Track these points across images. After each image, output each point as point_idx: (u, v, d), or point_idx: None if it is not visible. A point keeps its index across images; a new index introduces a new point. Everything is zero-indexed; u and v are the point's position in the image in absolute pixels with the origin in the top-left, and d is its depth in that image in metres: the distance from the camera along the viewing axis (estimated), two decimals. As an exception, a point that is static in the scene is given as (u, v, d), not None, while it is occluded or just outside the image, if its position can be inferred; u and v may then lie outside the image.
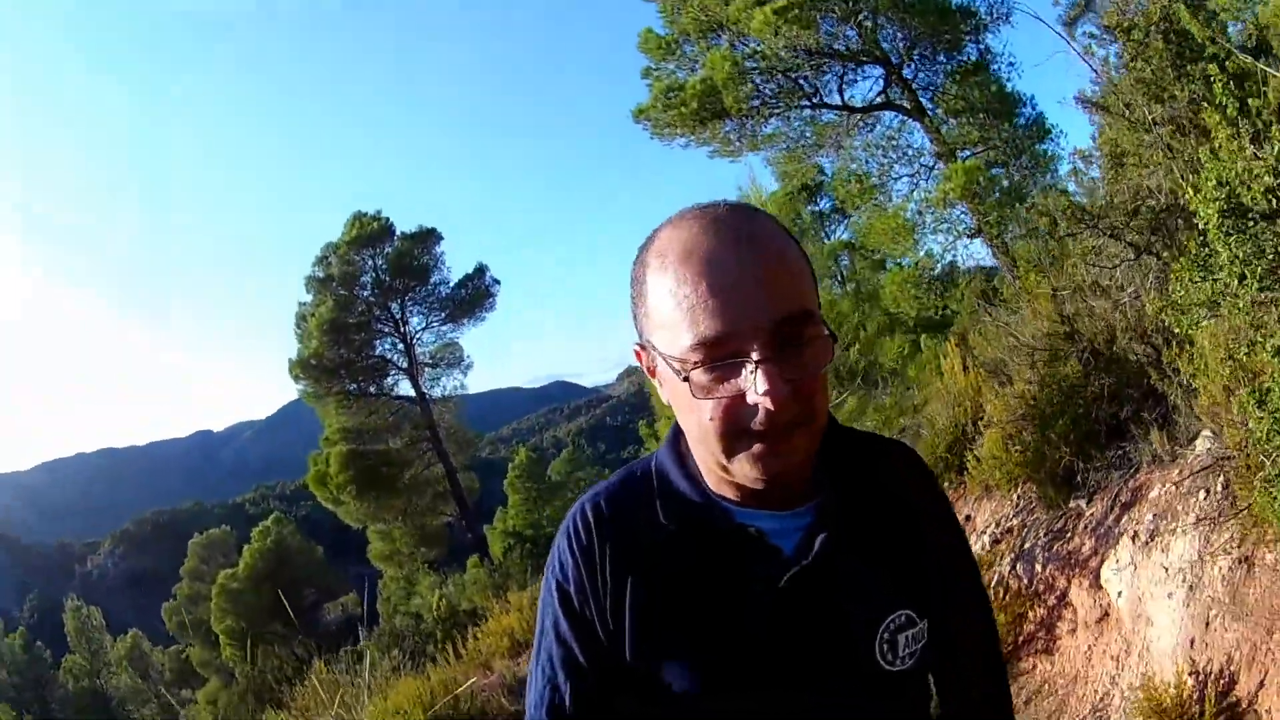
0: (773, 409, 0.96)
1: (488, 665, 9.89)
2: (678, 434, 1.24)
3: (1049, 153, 12.47)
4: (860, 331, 15.00)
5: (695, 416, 1.03)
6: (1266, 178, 3.00)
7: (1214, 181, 3.14)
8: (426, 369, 24.96)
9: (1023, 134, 12.64)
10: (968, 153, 12.99)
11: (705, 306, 0.97)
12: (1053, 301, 5.78)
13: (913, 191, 13.63)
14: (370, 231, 23.93)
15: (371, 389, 23.99)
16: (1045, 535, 5.02)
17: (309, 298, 24.11)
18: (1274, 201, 2.99)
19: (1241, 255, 3.07)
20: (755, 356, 0.96)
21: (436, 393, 25.30)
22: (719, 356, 0.97)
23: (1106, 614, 4.24)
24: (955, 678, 1.33)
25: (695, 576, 1.15)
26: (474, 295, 25.11)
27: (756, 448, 1.01)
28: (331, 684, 6.93)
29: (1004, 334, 7.21)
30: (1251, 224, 3.04)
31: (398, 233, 24.52)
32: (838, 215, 21.97)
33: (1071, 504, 4.99)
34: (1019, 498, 5.61)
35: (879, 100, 13.97)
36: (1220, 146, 3.32)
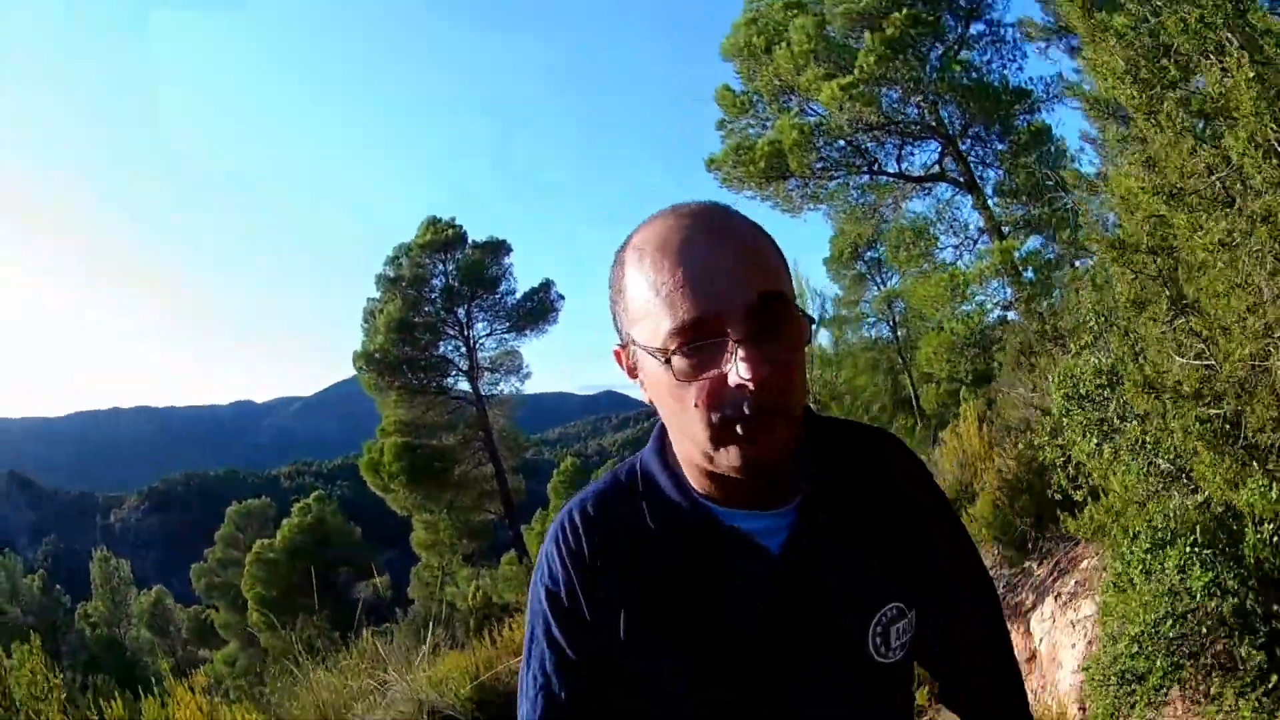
0: (754, 389, 0.97)
1: (517, 653, 10.72)
2: (661, 436, 1.25)
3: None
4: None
5: (678, 405, 1.05)
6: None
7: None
8: (486, 372, 25.96)
9: (1062, 215, 13.39)
10: (1009, 229, 13.86)
11: (682, 291, 0.99)
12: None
13: (956, 260, 14.49)
14: (444, 238, 25.02)
15: (431, 386, 25.00)
16: (1002, 588, 5.99)
17: (378, 294, 25.24)
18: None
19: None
20: (734, 337, 0.98)
21: (493, 396, 26.41)
22: (699, 339, 0.99)
23: (1033, 656, 5.20)
24: (960, 662, 1.37)
25: (682, 578, 1.16)
26: (539, 308, 26.21)
27: (739, 432, 1.02)
28: (374, 652, 7.74)
29: (1011, 405, 8.20)
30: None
31: (470, 240, 25.67)
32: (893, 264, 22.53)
33: (1025, 564, 6.00)
34: (993, 556, 6.57)
35: (935, 171, 14.88)
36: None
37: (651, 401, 1.13)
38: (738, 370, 0.97)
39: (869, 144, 14.17)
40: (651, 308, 1.02)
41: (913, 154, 14.80)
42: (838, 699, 1.18)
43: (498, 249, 26.06)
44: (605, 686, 1.18)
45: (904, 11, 13.24)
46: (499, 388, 26.71)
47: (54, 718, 4.97)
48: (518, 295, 26.35)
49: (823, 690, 1.17)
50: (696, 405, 1.02)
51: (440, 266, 25.41)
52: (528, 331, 26.54)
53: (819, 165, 14.10)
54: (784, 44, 13.73)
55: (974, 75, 13.83)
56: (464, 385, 26.06)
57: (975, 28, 14.58)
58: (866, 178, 14.85)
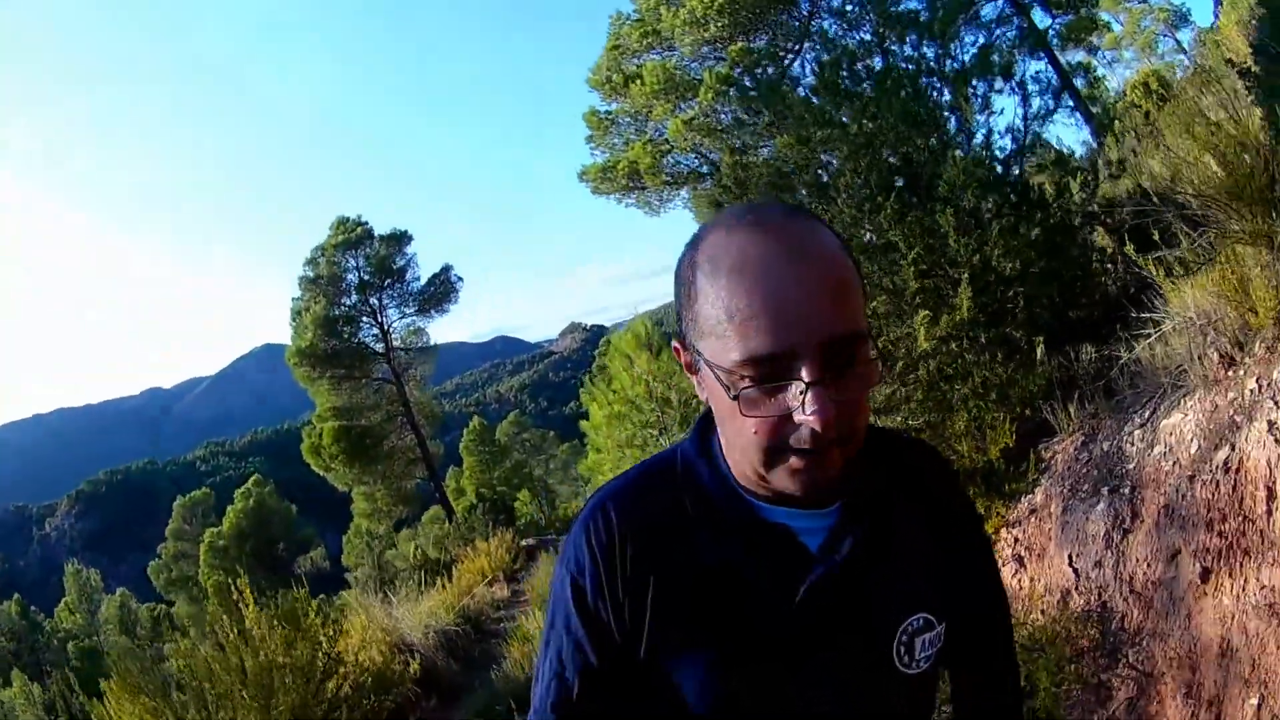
0: (819, 430, 0.95)
1: (469, 592, 12.87)
2: (705, 428, 1.21)
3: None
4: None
5: (737, 424, 1.02)
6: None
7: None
8: (400, 353, 29.09)
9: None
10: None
11: (757, 323, 0.95)
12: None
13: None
14: (354, 236, 27.92)
15: (356, 373, 27.96)
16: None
17: (300, 293, 27.98)
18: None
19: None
20: (805, 378, 0.94)
21: (408, 372, 29.53)
22: (768, 375, 0.96)
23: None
24: (975, 679, 1.38)
25: (719, 572, 1.13)
26: (441, 291, 29.36)
27: (796, 462, 1.00)
28: (359, 603, 10.02)
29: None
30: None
31: (376, 235, 28.56)
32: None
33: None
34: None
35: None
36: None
37: (707, 403, 1.12)
38: (805, 410, 0.95)
39: (707, 160, 17.40)
40: (721, 329, 0.97)
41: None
42: (857, 704, 1.15)
43: (401, 240, 29.09)
44: (622, 678, 1.16)
45: (738, 45, 16.57)
46: (413, 365, 29.88)
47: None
48: (422, 281, 29.50)
49: (842, 693, 1.15)
50: (756, 433, 1.00)
51: (352, 262, 28.29)
52: (432, 312, 29.80)
53: (669, 179, 17.40)
54: (638, 80, 16.95)
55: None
56: (383, 368, 29.05)
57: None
58: (710, 184, 18.11)
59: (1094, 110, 16.41)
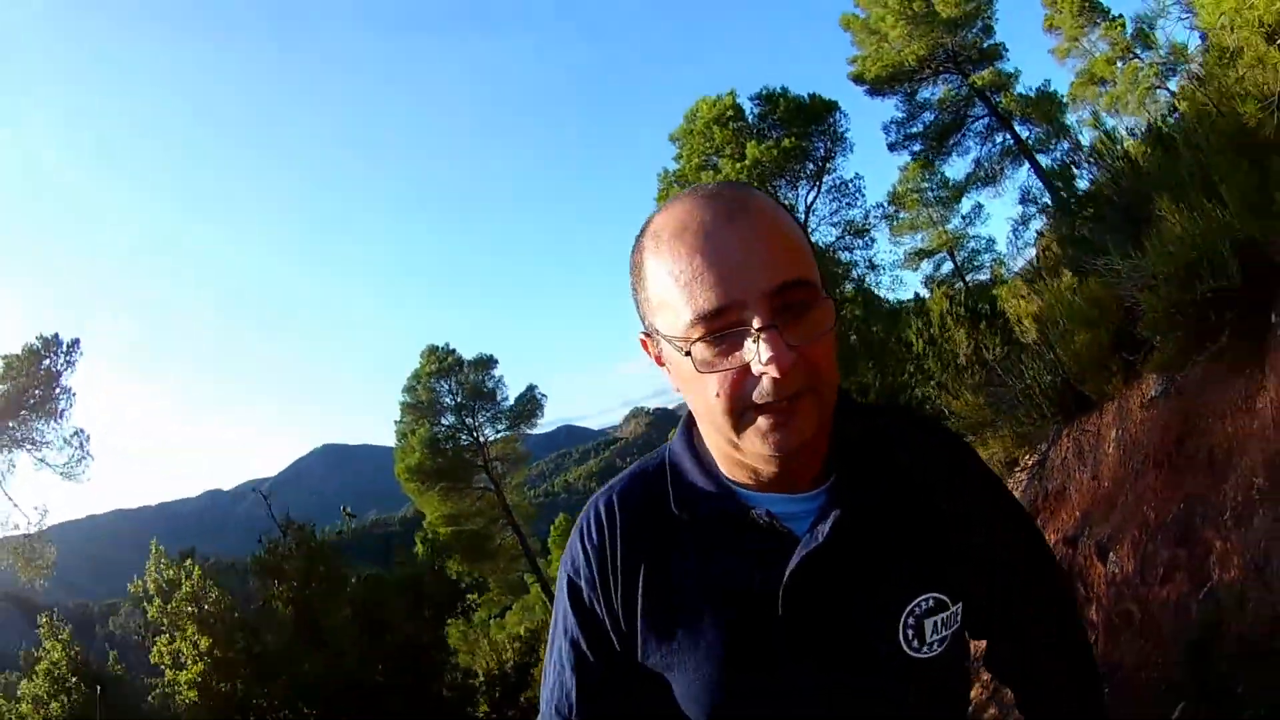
0: (779, 377, 0.94)
1: None
2: (690, 424, 1.24)
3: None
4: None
5: (702, 395, 1.02)
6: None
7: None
8: (496, 463, 33.20)
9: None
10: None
11: (702, 280, 0.96)
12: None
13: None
14: (446, 364, 32.36)
15: (460, 483, 32.08)
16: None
17: (401, 417, 32.33)
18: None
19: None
20: (756, 325, 0.94)
21: (505, 480, 33.61)
22: (719, 329, 0.96)
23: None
24: (1022, 656, 1.32)
25: (707, 564, 1.14)
26: (528, 408, 33.62)
27: (764, 421, 1.00)
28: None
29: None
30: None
31: (465, 362, 32.91)
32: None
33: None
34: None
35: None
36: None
37: (679, 390, 1.09)
38: (760, 359, 0.94)
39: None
40: (671, 296, 0.99)
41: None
42: (864, 691, 1.13)
43: (488, 364, 33.43)
44: (622, 675, 1.18)
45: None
46: (508, 474, 33.99)
47: None
48: (510, 401, 33.62)
49: (847, 682, 1.12)
50: (719, 395, 0.99)
51: (446, 386, 32.62)
52: (521, 426, 34.03)
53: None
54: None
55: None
56: (481, 475, 33.14)
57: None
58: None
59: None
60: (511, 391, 33.93)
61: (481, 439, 32.96)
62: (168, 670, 5.34)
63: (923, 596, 1.13)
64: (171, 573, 5.93)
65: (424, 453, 30.82)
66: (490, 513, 32.90)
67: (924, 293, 25.75)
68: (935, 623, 1.14)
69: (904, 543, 1.15)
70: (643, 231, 1.07)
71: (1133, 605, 4.38)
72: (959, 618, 1.17)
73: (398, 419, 32.74)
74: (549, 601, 31.39)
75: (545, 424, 34.63)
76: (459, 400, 32.58)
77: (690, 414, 1.20)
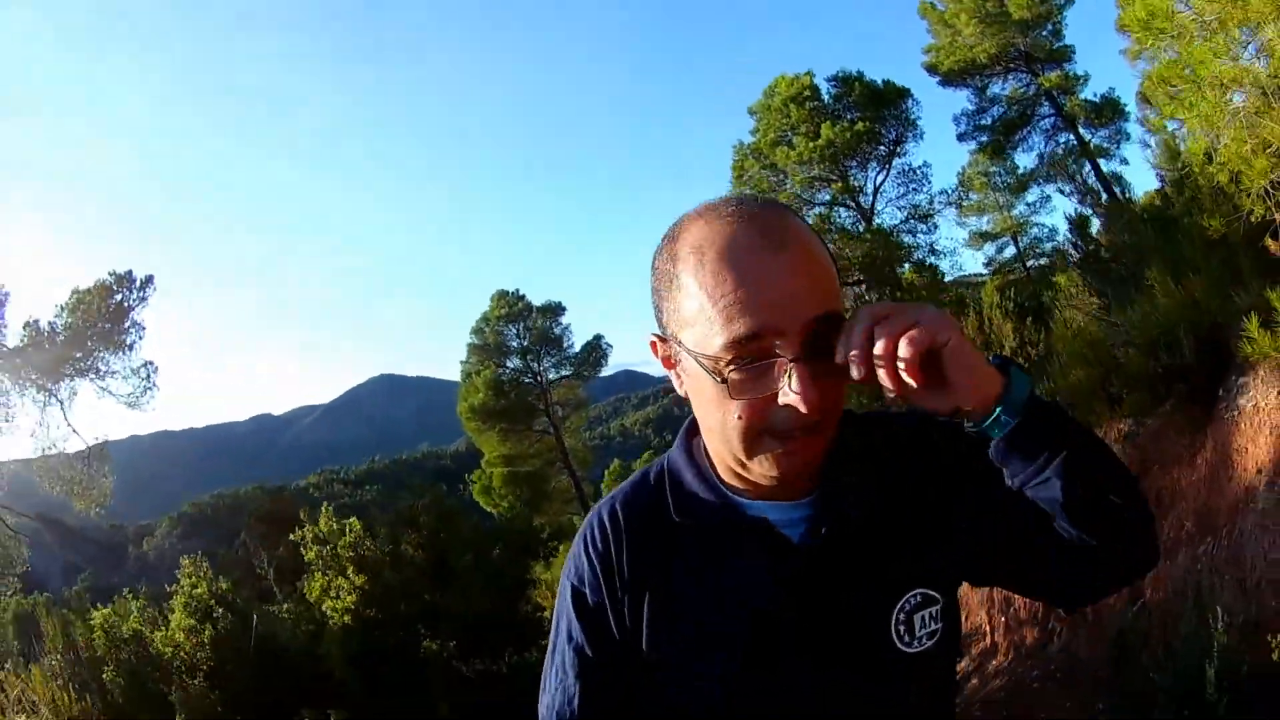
0: (805, 410, 0.97)
1: None
2: (689, 431, 1.27)
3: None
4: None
5: (719, 414, 1.05)
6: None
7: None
8: (557, 407, 34.35)
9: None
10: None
11: (741, 306, 0.97)
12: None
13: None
14: (515, 310, 33.49)
15: (520, 425, 33.22)
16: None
17: (468, 357, 33.69)
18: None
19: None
20: (789, 356, 0.97)
21: (565, 424, 34.82)
22: (750, 354, 0.98)
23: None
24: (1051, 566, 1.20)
25: (709, 569, 1.18)
26: (594, 357, 34.71)
27: (777, 447, 1.03)
28: None
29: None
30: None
31: (534, 308, 33.99)
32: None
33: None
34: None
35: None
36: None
37: (686, 396, 1.12)
38: (790, 390, 0.97)
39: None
40: (705, 316, 1.00)
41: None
42: (862, 688, 1.16)
43: (556, 311, 34.52)
44: (625, 682, 1.20)
45: (838, 184, 21.44)
46: (569, 419, 35.24)
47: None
48: (576, 349, 34.75)
49: (845, 678, 1.16)
50: (740, 418, 1.02)
51: (513, 330, 33.79)
52: (586, 374, 35.06)
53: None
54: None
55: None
56: (542, 419, 34.31)
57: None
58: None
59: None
60: (577, 339, 35.23)
61: (545, 383, 34.13)
62: (328, 601, 6.72)
63: (911, 593, 1.18)
64: (334, 526, 7.33)
65: (488, 393, 32.01)
66: (547, 455, 34.10)
67: (984, 273, 26.38)
68: (924, 617, 1.18)
69: (891, 543, 1.19)
70: (674, 239, 1.08)
71: (1088, 608, 5.16)
72: (946, 611, 1.21)
73: (464, 359, 34.08)
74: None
75: (606, 369, 35.55)
76: (525, 344, 33.74)
77: (690, 423, 1.26)
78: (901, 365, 0.95)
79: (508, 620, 7.22)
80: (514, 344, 33.80)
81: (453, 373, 34.40)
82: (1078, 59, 23.51)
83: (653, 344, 1.16)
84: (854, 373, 0.97)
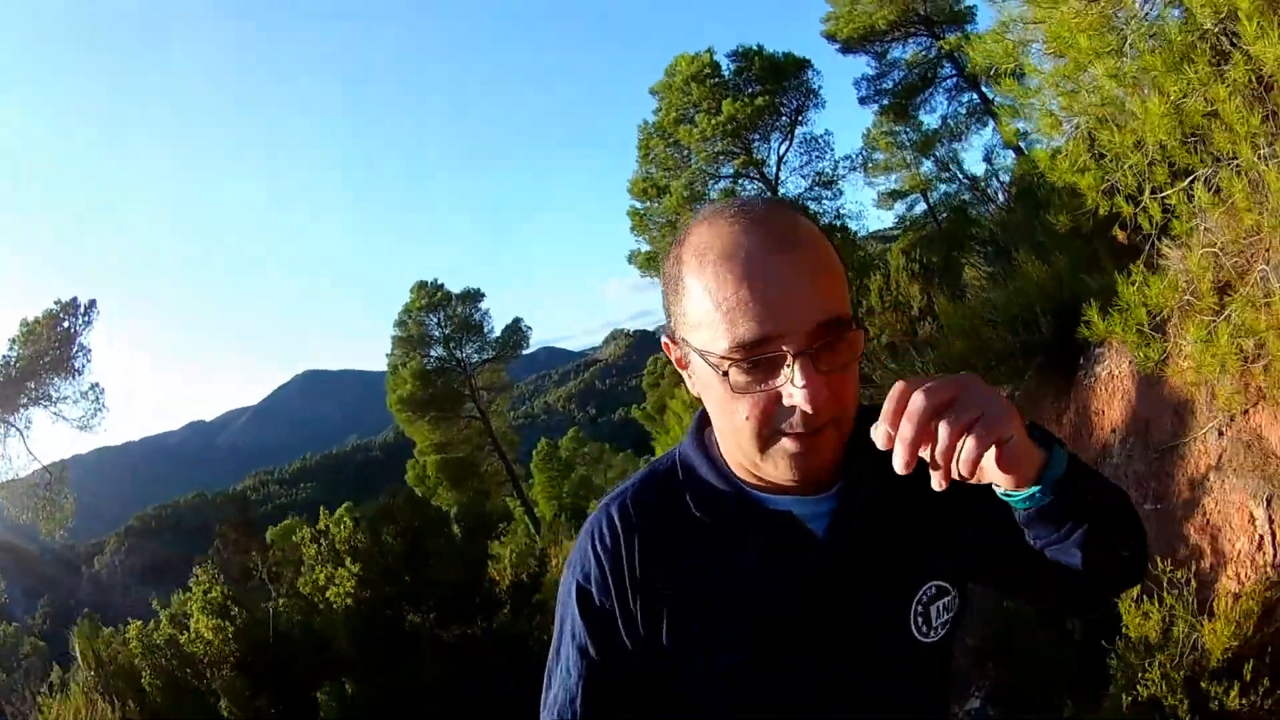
0: (810, 410, 0.97)
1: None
2: (701, 426, 1.25)
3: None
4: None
5: (730, 415, 1.05)
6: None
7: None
8: (483, 393, 34.71)
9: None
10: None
11: (746, 309, 0.97)
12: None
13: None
14: (435, 299, 33.67)
15: (448, 413, 33.50)
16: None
17: (392, 350, 33.89)
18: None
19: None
20: (791, 352, 0.97)
21: (491, 408, 35.23)
22: (758, 359, 0.99)
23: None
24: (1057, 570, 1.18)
25: (731, 565, 1.16)
26: (514, 340, 35.17)
27: (789, 446, 1.03)
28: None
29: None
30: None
31: (453, 296, 34.21)
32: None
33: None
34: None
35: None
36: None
37: (699, 396, 1.12)
38: (795, 388, 0.97)
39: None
40: (711, 318, 1.00)
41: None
42: (882, 679, 1.18)
43: (475, 298, 34.76)
44: (628, 681, 1.18)
45: (741, 159, 22.12)
46: (494, 403, 35.60)
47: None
48: (496, 333, 35.09)
49: (865, 668, 1.17)
50: (748, 418, 1.02)
51: (434, 319, 34.01)
52: (507, 355, 35.50)
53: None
54: (668, 193, 22.43)
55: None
56: (468, 405, 34.63)
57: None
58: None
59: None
60: (498, 323, 35.61)
61: (469, 369, 34.49)
62: (331, 589, 7.61)
63: (927, 585, 1.19)
64: (330, 524, 8.25)
65: (415, 384, 32.27)
66: (476, 440, 34.56)
67: (897, 230, 27.20)
68: (938, 607, 1.20)
69: (908, 536, 1.19)
70: (682, 243, 1.08)
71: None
72: (955, 604, 1.22)
73: (389, 351, 34.26)
74: (532, 524, 33.00)
75: (527, 348, 36.13)
76: (447, 333, 34.04)
77: (701, 416, 1.25)
78: (962, 465, 0.92)
79: (476, 591, 8.13)
80: (436, 333, 34.04)
81: (377, 363, 34.45)
82: (979, 18, 23.82)
83: (665, 345, 1.17)
84: (898, 464, 0.93)
